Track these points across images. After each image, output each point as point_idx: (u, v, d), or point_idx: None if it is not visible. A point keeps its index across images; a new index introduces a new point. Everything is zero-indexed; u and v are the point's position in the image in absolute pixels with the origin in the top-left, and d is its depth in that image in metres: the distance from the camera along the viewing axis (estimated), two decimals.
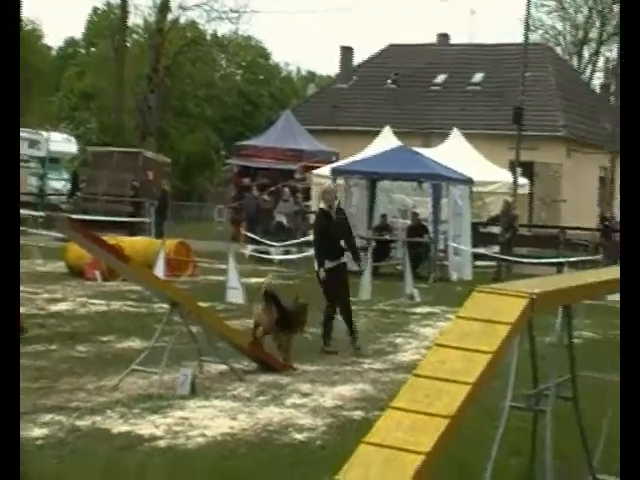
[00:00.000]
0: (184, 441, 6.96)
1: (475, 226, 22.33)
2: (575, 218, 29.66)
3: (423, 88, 38.37)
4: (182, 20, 44.68)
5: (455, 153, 24.49)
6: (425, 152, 23.16)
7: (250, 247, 23.24)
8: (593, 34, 54.16)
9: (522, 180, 27.80)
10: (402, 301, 15.75)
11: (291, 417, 7.79)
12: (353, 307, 11.85)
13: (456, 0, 48.33)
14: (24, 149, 32.52)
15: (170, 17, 42.51)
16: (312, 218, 27.45)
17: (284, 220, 24.14)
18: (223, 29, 68.55)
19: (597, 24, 53.87)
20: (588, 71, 54.20)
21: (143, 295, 13.53)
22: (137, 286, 12.87)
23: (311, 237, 23.73)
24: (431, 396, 3.98)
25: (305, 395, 8.60)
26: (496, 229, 22.22)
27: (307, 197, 28.85)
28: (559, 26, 54.13)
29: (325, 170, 24.96)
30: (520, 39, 31.50)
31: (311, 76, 66.29)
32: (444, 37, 42.90)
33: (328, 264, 11.00)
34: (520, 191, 26.73)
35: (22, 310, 8.77)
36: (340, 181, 21.96)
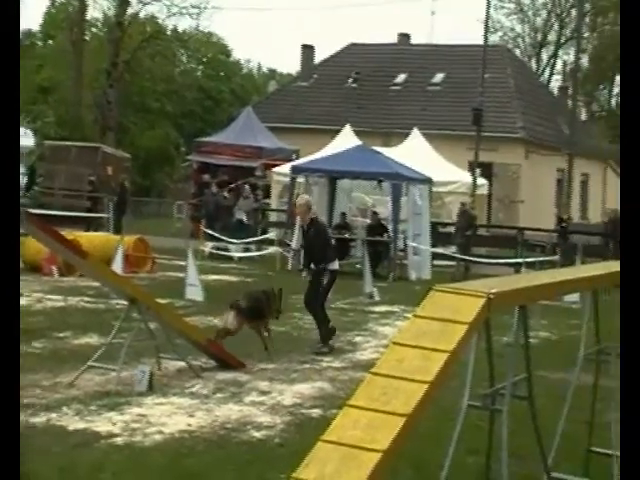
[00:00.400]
0: (141, 438, 6.93)
1: (434, 226, 22.46)
2: (533, 219, 29.95)
3: (383, 87, 38.49)
4: (142, 14, 44.39)
5: (415, 153, 24.59)
6: (385, 151, 23.24)
7: (210, 244, 23.16)
8: (552, 37, 54.77)
9: (481, 181, 28.01)
10: (361, 300, 15.79)
11: (249, 415, 7.78)
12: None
13: (417, 0, 48.47)
14: None
15: (130, 11, 42.22)
16: (272, 216, 27.52)
17: (244, 217, 24.09)
18: (184, 24, 68.13)
19: (555, 27, 54.47)
20: (546, 73, 54.80)
21: (101, 291, 13.43)
22: (95, 282, 12.76)
23: (270, 235, 23.89)
24: (388, 394, 4.00)
25: (264, 393, 8.60)
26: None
27: (267, 194, 28.81)
28: (518, 28, 54.65)
29: (285, 168, 24.96)
30: (480, 40, 31.77)
31: (272, 73, 66.19)
32: (405, 37, 43.06)
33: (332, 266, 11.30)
34: (479, 191, 26.93)
35: None
36: (300, 179, 21.98)
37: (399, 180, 20.54)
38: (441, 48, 40.47)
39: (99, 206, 27.75)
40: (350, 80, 39.61)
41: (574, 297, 14.12)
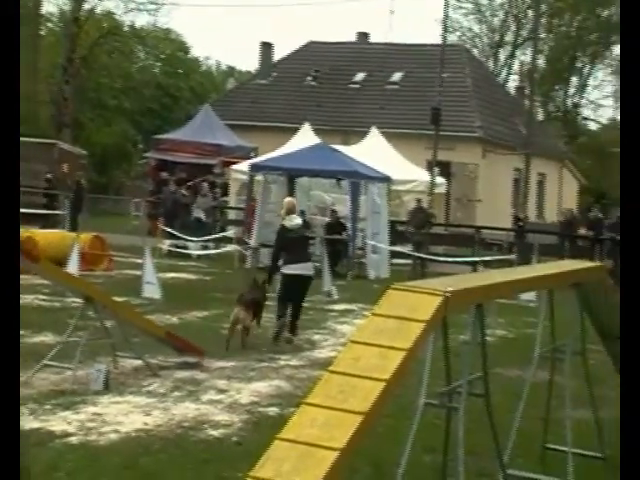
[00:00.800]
0: (97, 437, 6.87)
1: (393, 224, 22.53)
2: (490, 218, 30.17)
3: (342, 86, 38.53)
4: (98, 10, 43.97)
5: (374, 151, 24.64)
6: (344, 150, 23.27)
7: (167, 242, 23.03)
8: (509, 37, 55.19)
9: (439, 179, 28.15)
10: (320, 298, 15.77)
11: (207, 413, 7.75)
12: (270, 303, 11.85)
13: None
14: None
15: (86, 6, 41.80)
16: (230, 214, 27.44)
17: (202, 215, 23.99)
18: (141, 21, 67.74)
19: (512, 28, 54.89)
20: (504, 74, 55.23)
21: (56, 289, 13.29)
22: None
23: (229, 232, 23.80)
24: (345, 392, 4.00)
25: (221, 391, 8.57)
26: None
27: (225, 192, 28.72)
28: (476, 28, 55.01)
29: (244, 166, 24.88)
30: (438, 40, 31.97)
31: (231, 71, 65.95)
32: (363, 36, 43.15)
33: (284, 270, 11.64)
34: (437, 190, 27.06)
35: None
36: (259, 177, 21.93)
37: (358, 178, 20.58)
38: (399, 47, 40.60)
39: (55, 203, 27.44)
40: (309, 78, 39.61)
41: (531, 296, 14.27)
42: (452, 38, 48.16)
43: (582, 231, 26.05)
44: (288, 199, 13.07)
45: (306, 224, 21.83)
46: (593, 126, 60.25)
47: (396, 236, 22.48)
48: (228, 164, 28.62)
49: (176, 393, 8.40)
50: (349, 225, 20.80)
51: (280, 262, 11.69)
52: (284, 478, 3.63)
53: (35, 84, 41.06)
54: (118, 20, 46.15)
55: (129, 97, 50.11)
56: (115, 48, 46.17)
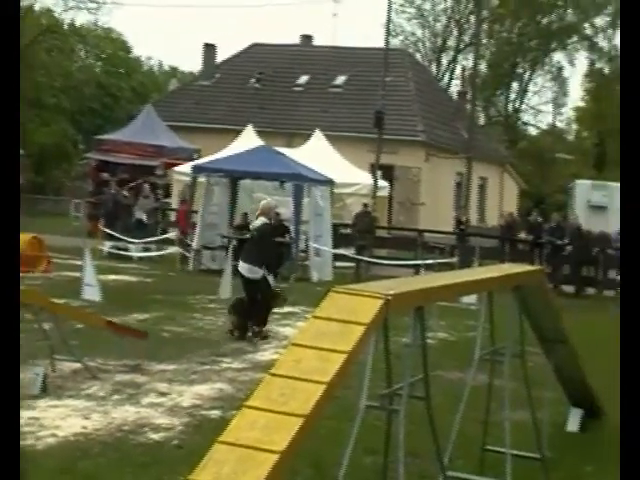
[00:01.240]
0: (33, 442, 6.76)
1: (335, 227, 22.57)
2: (432, 221, 30.41)
3: (286, 88, 38.53)
4: (37, 7, 43.34)
5: (317, 154, 24.67)
6: (287, 152, 23.24)
7: (108, 243, 22.78)
8: (451, 42, 55.76)
9: (382, 183, 28.29)
10: None
11: (147, 417, 7.68)
12: (212, 305, 11.80)
13: (319, 2, 48.74)
14: None
15: (24, 3, 41.14)
16: (172, 215, 27.23)
17: (144, 217, 23.78)
18: (81, 19, 66.82)
19: (455, 33, 55.46)
20: (446, 78, 55.77)
21: None
22: None
23: (171, 234, 23.62)
24: (286, 395, 3.99)
25: (162, 394, 8.50)
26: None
27: (167, 194, 28.50)
28: (419, 33, 55.47)
29: (186, 167, 24.73)
30: (381, 44, 32.08)
31: (173, 71, 65.51)
32: (307, 39, 43.20)
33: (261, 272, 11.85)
34: (380, 194, 27.19)
35: None
36: (201, 179, 21.81)
37: (301, 181, 20.59)
38: (343, 50, 40.73)
39: None
40: (253, 80, 39.51)
41: (472, 299, 14.39)
42: (395, 42, 48.55)
43: (522, 235, 26.38)
44: (265, 201, 13.15)
45: (248, 226, 21.87)
46: (533, 131, 61.18)
47: (339, 239, 22.53)
48: (170, 165, 28.42)
49: (116, 396, 8.30)
50: (292, 228, 20.78)
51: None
52: None
53: None
54: (57, 18, 45.54)
55: (69, 96, 49.45)
56: (54, 46, 45.51)
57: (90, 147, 33.56)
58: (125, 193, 25.02)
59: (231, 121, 34.27)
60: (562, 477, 6.66)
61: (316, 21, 77.80)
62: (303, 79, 39.26)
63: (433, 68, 54.64)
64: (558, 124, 59.89)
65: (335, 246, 21.65)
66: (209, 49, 41.84)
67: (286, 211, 21.67)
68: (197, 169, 22.04)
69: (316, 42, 43.47)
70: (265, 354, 10.96)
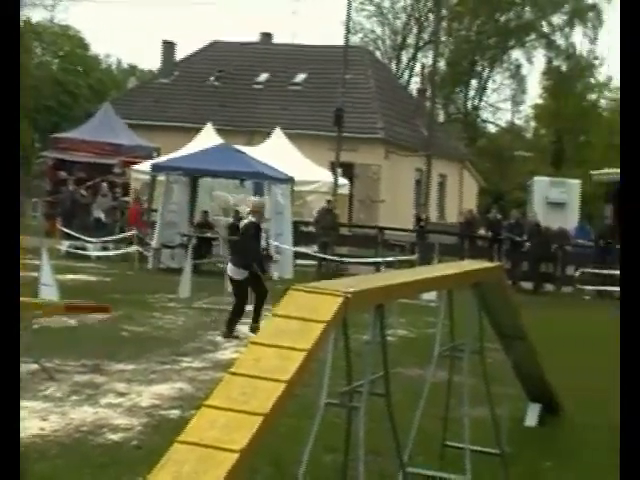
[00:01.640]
0: None
1: (296, 225, 22.57)
2: (392, 219, 30.51)
3: (246, 86, 38.42)
4: None
5: (277, 152, 24.65)
6: (247, 150, 23.19)
7: (66, 243, 22.56)
8: (411, 40, 55.98)
9: (342, 180, 28.33)
10: (223, 299, 15.67)
11: (106, 417, 7.62)
12: (172, 304, 11.74)
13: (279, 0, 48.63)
14: None
15: None
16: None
17: (102, 216, 23.59)
18: (37, 16, 66.04)
19: (414, 31, 55.68)
20: (406, 76, 55.98)
21: None
22: None
23: (130, 233, 23.44)
24: (246, 394, 3.97)
25: (121, 395, 8.43)
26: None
27: (126, 193, 28.29)
28: (379, 30, 55.61)
29: (145, 166, 24.57)
30: (341, 41, 32.12)
31: (132, 69, 65.02)
32: (267, 36, 43.13)
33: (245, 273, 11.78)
34: (340, 191, 27.23)
35: None
36: (161, 177, 21.69)
37: (261, 179, 20.56)
38: (303, 48, 40.71)
39: None
40: (212, 78, 39.36)
41: (432, 296, 14.47)
42: (355, 40, 48.60)
43: (481, 231, 26.58)
44: (256, 199, 13.03)
45: (209, 224, 21.83)
46: (492, 128, 61.61)
47: (300, 237, 22.53)
48: (129, 164, 28.21)
49: (74, 397, 8.22)
50: None
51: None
52: None
53: None
54: None
55: (25, 94, 48.86)
56: None
57: (47, 145, 33.20)
58: (83, 192, 24.81)
59: (191, 119, 34.12)
60: (521, 472, 6.71)
61: (276, 19, 77.64)
62: (263, 77, 39.19)
63: (393, 66, 54.81)
64: (517, 121, 60.43)
65: (296, 244, 21.65)
66: (168, 47, 41.60)
67: (246, 209, 21.64)
68: (156, 167, 21.92)
69: (276, 40, 43.42)
70: (226, 353, 10.92)
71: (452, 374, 6.56)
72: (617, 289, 20.36)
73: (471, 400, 6.35)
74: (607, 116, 54.62)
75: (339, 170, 28.29)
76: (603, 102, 58.66)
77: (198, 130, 27.81)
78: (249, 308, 12.10)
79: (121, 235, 23.09)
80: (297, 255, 21.74)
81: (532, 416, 8.12)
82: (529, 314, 11.62)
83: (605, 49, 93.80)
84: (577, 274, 21.25)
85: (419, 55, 55.88)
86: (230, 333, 11.76)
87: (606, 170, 31.08)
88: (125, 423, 7.49)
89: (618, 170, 30.86)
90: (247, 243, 11.98)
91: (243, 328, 12.88)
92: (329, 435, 6.10)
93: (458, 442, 6.26)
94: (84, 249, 22.33)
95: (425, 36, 54.47)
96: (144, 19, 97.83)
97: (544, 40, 56.69)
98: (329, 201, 23.16)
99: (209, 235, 21.38)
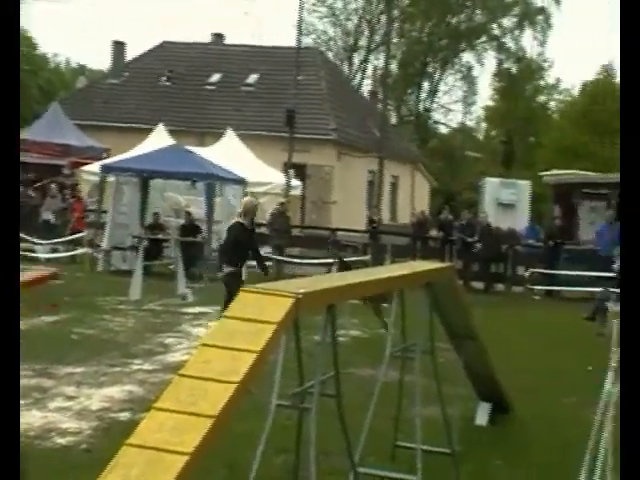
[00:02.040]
0: None
1: None
2: (345, 220, 30.57)
3: (197, 87, 38.25)
4: None
5: (229, 153, 24.56)
6: (199, 151, 23.06)
7: None
8: (363, 42, 56.18)
9: (294, 182, 28.31)
10: (174, 301, 15.60)
11: (54, 421, 7.52)
12: (122, 307, 11.62)
13: (231, 0, 48.51)
14: None
15: None
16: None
17: (51, 217, 23.30)
18: None
19: (366, 32, 55.90)
20: (358, 77, 56.17)
21: None
22: None
23: (79, 235, 23.19)
24: (196, 396, 3.94)
25: (70, 398, 8.33)
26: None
27: (75, 194, 27.99)
28: (331, 32, 55.73)
29: (95, 167, 24.32)
30: (294, 42, 32.12)
31: (81, 69, 64.40)
32: (218, 37, 42.99)
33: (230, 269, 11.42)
34: (292, 193, 27.21)
35: None
36: (111, 178, 21.48)
37: (213, 180, 20.45)
38: (255, 49, 40.64)
39: None
40: (163, 78, 39.13)
41: None
42: (307, 41, 48.65)
43: (433, 232, 26.74)
44: (247, 199, 12.60)
45: (160, 226, 21.65)
46: (443, 130, 62.09)
47: None
48: (78, 165, 27.91)
49: (22, 401, 8.09)
50: (204, 227, 20.64)
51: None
52: None
53: None
54: None
55: None
56: None
57: None
58: (31, 193, 24.47)
59: (141, 120, 33.87)
60: (472, 470, 6.76)
61: (228, 19, 77.42)
62: (215, 77, 39.05)
63: (345, 67, 54.97)
64: (468, 123, 60.97)
65: None
66: (118, 47, 41.27)
67: (198, 211, 21.53)
68: (106, 168, 21.69)
69: (228, 40, 43.29)
70: (176, 355, 10.85)
71: (404, 374, 6.58)
72: (566, 289, 20.68)
73: (422, 400, 6.38)
74: (556, 118, 55.37)
75: (291, 171, 28.28)
76: (552, 104, 59.49)
77: (149, 131, 27.60)
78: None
79: (71, 237, 22.82)
80: None
81: (482, 415, 8.18)
82: (480, 314, 11.72)
83: (554, 51, 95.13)
84: (527, 274, 21.47)
85: (371, 57, 56.16)
86: None
87: (555, 171, 31.52)
88: (74, 427, 7.40)
89: (566, 171, 31.32)
90: (230, 244, 11.70)
91: (195, 330, 12.82)
92: (281, 436, 6.08)
93: (409, 442, 6.28)
94: (33, 251, 22.03)
95: (377, 38, 54.72)
96: (93, 19, 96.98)
97: (494, 42, 57.27)
98: (282, 203, 23.11)
99: (160, 237, 21.22)
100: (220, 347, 4.26)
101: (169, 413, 3.89)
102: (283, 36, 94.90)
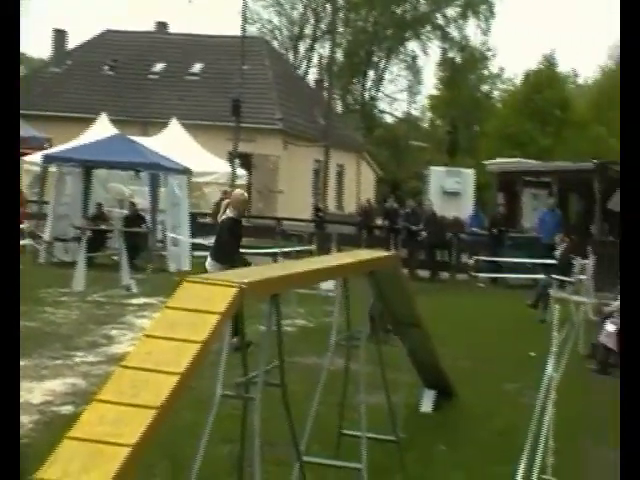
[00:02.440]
0: None
1: (194, 216, 22.36)
2: (291, 209, 30.58)
3: (141, 76, 37.90)
4: None
5: (173, 143, 24.38)
6: (143, 141, 22.86)
7: None
8: (308, 30, 56.19)
9: (240, 171, 28.22)
10: (118, 292, 15.44)
11: None
12: (65, 299, 11.47)
13: None
14: None
15: None
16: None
17: None
18: None
19: (312, 21, 55.88)
20: (303, 66, 56.13)
21: None
22: None
23: (21, 226, 22.82)
24: (138, 387, 3.90)
25: None
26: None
27: None
28: (276, 21, 55.64)
29: (36, 157, 23.95)
30: (238, 32, 31.98)
31: (21, 57, 63.39)
32: (162, 25, 42.61)
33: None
34: (238, 182, 27.11)
35: None
36: (53, 169, 21.18)
37: (157, 170, 20.27)
38: (199, 38, 40.38)
39: None
40: (106, 68, 38.69)
41: (330, 285, 14.55)
42: (252, 30, 48.50)
43: (379, 221, 26.85)
44: (237, 191, 11.98)
45: (103, 216, 21.41)
46: (389, 119, 62.37)
47: (197, 228, 22.33)
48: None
49: None
50: (149, 217, 20.47)
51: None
52: (72, 478, 3.50)
53: None
54: None
55: None
56: None
57: None
58: None
59: (84, 109, 33.47)
60: (416, 457, 6.80)
61: (171, 8, 76.72)
62: (158, 67, 38.72)
63: (290, 56, 54.90)
64: (413, 112, 61.34)
65: (193, 236, 21.44)
66: (59, 35, 40.69)
67: (142, 201, 21.34)
68: (48, 158, 21.38)
69: (171, 29, 42.93)
70: (120, 347, 10.73)
71: (349, 362, 6.58)
72: (510, 276, 20.93)
73: (368, 388, 6.39)
74: (499, 107, 55.92)
75: (237, 161, 28.19)
76: (496, 93, 60.07)
77: (92, 120, 27.27)
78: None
79: None
80: (195, 247, 21.53)
81: (427, 402, 8.24)
82: (425, 301, 11.79)
83: (497, 41, 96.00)
84: (471, 262, 21.67)
85: (316, 46, 56.17)
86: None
87: (498, 160, 31.85)
88: None
89: (509, 159, 31.66)
90: (222, 239, 11.31)
91: (139, 321, 12.71)
92: (226, 427, 6.07)
93: (355, 430, 6.29)
94: None
95: (322, 26, 54.71)
96: (33, 6, 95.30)
97: (439, 32, 57.65)
98: (225, 192, 23.01)
99: (104, 227, 21.00)
100: (163, 338, 4.22)
101: (110, 405, 3.84)
102: (228, 25, 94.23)
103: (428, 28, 57.89)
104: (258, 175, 34.02)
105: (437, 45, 58.16)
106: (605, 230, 23.70)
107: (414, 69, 59.09)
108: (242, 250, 21.79)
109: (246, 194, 11.73)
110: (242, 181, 28.31)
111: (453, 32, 57.26)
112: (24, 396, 8.06)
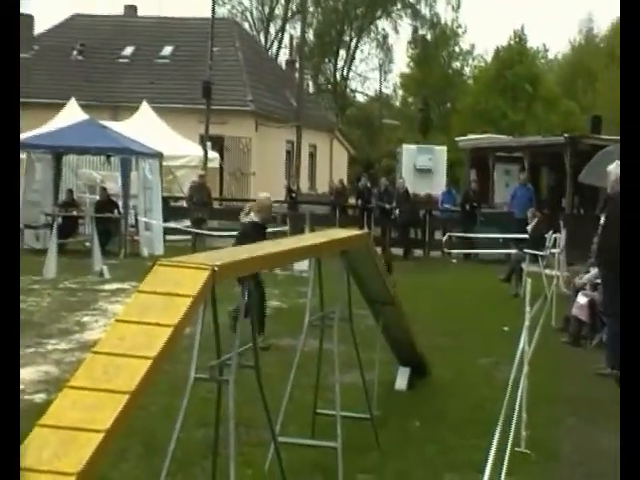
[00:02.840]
0: None
1: (166, 200, 22.27)
2: (264, 190, 30.40)
3: (111, 60, 37.56)
4: None
5: (144, 127, 24.22)
6: (113, 126, 22.70)
7: None
8: (279, 11, 55.90)
9: (212, 154, 28.10)
10: (90, 278, 15.37)
11: None
12: (37, 286, 11.40)
13: None
14: None
15: None
16: None
17: None
18: None
19: (282, 1, 55.60)
20: (274, 47, 55.89)
21: None
22: None
23: None
24: (110, 373, 3.89)
25: None
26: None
27: None
28: (246, 2, 55.34)
29: None
30: (208, 14, 31.74)
31: None
32: (131, 9, 42.23)
33: None
34: (210, 165, 27.01)
35: None
36: (22, 156, 20.99)
37: (128, 155, 20.16)
38: (169, 21, 40.08)
39: None
40: (75, 52, 38.32)
41: (304, 266, 14.56)
42: (222, 12, 48.23)
43: (352, 200, 26.87)
44: (263, 195, 11.00)
45: (74, 203, 21.26)
46: (361, 98, 62.30)
47: (170, 212, 22.25)
48: None
49: None
50: (120, 202, 20.37)
51: None
52: (45, 465, 3.49)
53: None
54: None
55: None
56: None
57: None
58: None
59: (53, 95, 33.14)
60: (391, 434, 6.84)
61: None
62: (128, 50, 38.39)
63: (261, 37, 54.62)
64: (385, 90, 61.29)
65: (166, 220, 21.37)
66: (26, 19, 40.04)
67: (114, 186, 21.23)
68: None
69: (141, 12, 42.57)
70: (93, 333, 10.67)
71: (322, 342, 6.60)
72: (482, 251, 21.03)
73: (342, 367, 6.41)
74: (471, 83, 56.01)
75: (209, 143, 28.06)
76: (467, 70, 60.14)
77: (61, 106, 27.00)
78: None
79: None
80: (167, 231, 21.46)
81: (402, 380, 8.28)
82: (399, 279, 11.85)
83: (468, 18, 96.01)
84: (444, 238, 21.76)
85: (287, 26, 55.90)
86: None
87: (470, 136, 31.93)
88: None
89: (481, 135, 31.73)
90: (244, 243, 10.71)
91: (112, 307, 12.67)
92: (201, 410, 6.08)
93: (330, 409, 6.32)
94: None
95: (293, 7, 54.46)
96: None
97: (409, 10, 57.56)
98: (201, 175, 22.90)
99: (75, 214, 20.87)
100: (135, 322, 4.20)
101: (83, 391, 3.83)
102: (198, 7, 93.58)
103: (399, 6, 57.80)
104: (230, 157, 33.89)
105: (408, 23, 58.13)
106: (576, 204, 23.84)
107: (385, 48, 59.05)
108: (215, 233, 21.89)
109: (271, 198, 11.06)
110: (214, 164, 28.21)
111: (424, 9, 57.23)
112: None
